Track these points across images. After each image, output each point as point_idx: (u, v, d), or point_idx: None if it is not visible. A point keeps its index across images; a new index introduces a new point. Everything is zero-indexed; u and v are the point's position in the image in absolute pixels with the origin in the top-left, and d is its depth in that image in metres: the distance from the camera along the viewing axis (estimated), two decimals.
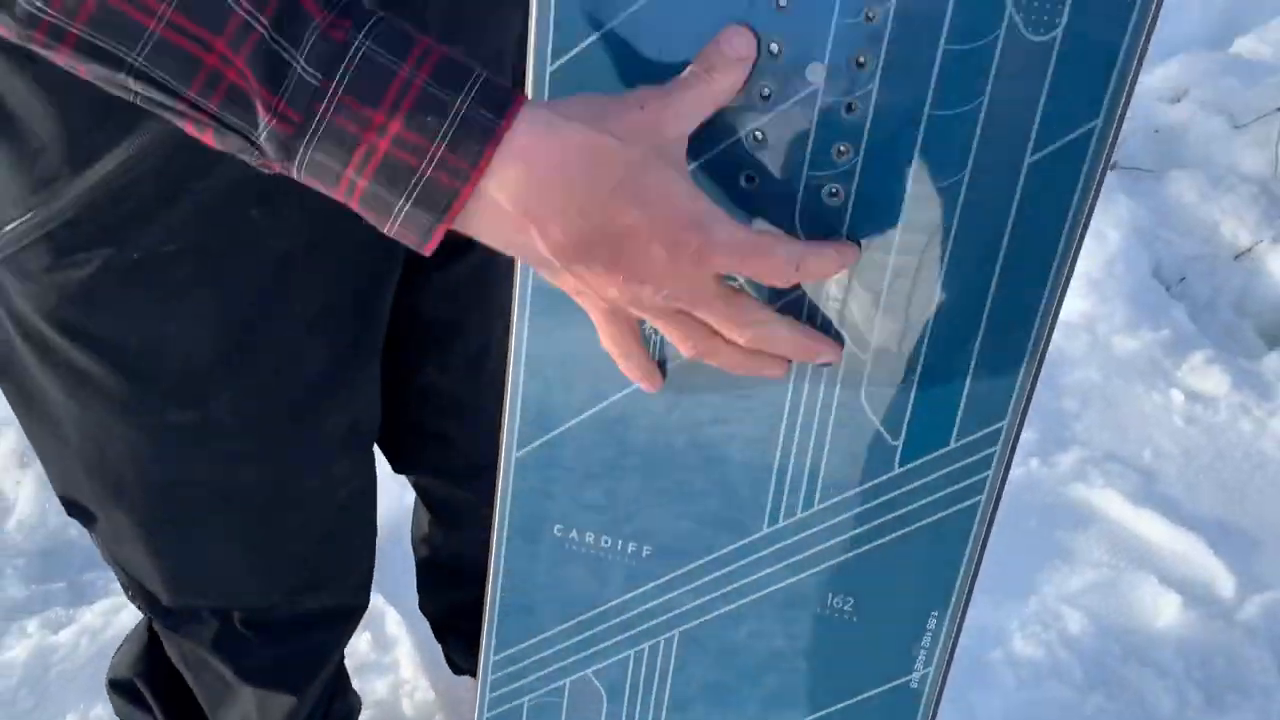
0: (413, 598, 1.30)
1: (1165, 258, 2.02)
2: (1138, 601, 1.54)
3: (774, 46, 0.53)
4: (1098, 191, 0.55)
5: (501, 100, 0.46)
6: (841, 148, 0.54)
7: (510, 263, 0.58)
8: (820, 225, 0.56)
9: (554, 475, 0.65)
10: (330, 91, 0.44)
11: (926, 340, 0.58)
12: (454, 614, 1.25)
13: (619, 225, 0.47)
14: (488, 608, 0.70)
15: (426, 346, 0.91)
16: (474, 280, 0.87)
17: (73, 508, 0.83)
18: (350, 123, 0.44)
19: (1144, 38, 0.51)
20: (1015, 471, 1.67)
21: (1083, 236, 0.56)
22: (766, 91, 0.54)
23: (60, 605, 1.52)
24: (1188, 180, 2.14)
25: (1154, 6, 0.51)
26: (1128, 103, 0.53)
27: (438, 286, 0.86)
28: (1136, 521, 1.61)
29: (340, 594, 0.96)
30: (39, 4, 0.42)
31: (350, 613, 1.00)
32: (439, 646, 1.31)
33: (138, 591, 0.90)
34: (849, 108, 0.54)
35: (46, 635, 1.47)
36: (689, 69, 0.51)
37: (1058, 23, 0.51)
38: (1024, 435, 1.89)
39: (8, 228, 0.65)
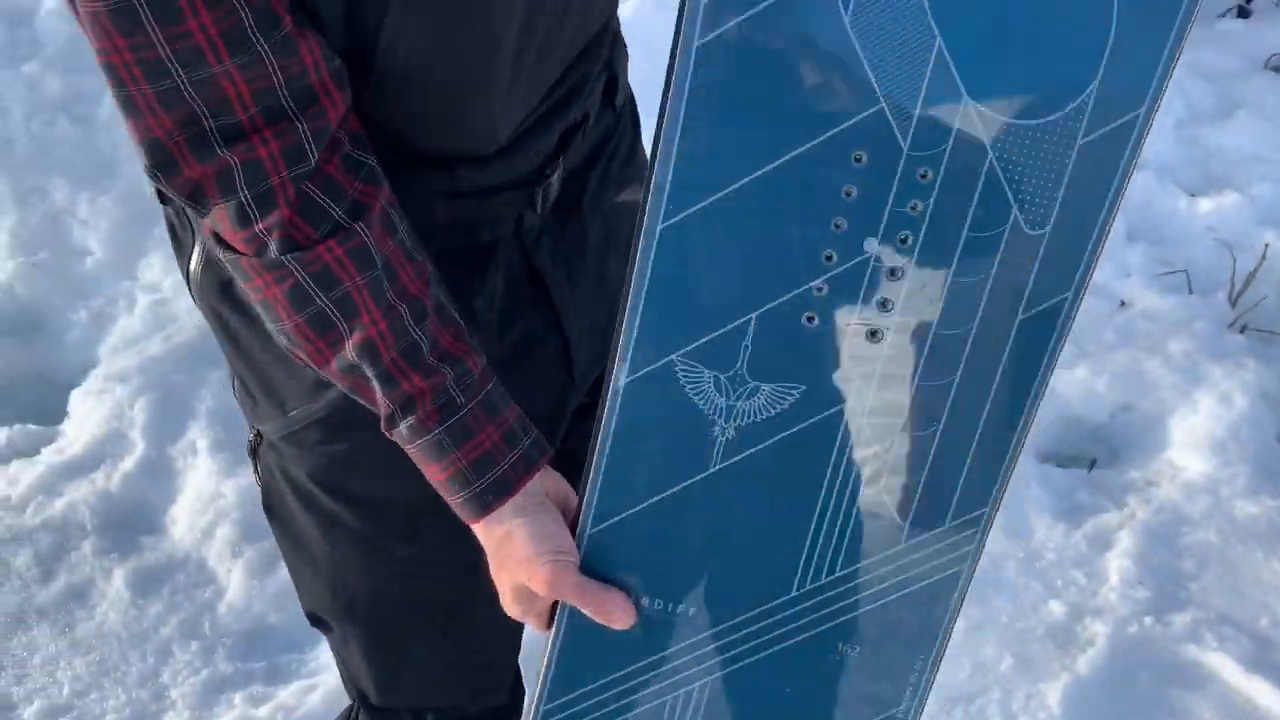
0: None
1: None
2: None
3: (839, 223, 0.72)
4: (1060, 343, 0.74)
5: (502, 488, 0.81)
6: (886, 301, 0.73)
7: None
8: (862, 361, 0.75)
9: (622, 548, 0.81)
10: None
11: (934, 445, 0.76)
12: None
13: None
14: (549, 647, 0.83)
15: None
16: None
17: (315, 620, 1.05)
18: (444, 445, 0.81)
19: (1103, 234, 0.71)
20: (1129, 628, 1.74)
21: (1043, 389, 0.75)
22: (831, 255, 0.73)
23: (259, 683, 1.66)
24: None
25: (1109, 215, 0.69)
26: (1089, 278, 0.73)
27: None
28: (1248, 687, 1.65)
29: (511, 692, 1.14)
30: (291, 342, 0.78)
31: (516, 708, 1.17)
32: None
33: (353, 688, 1.10)
34: (893, 273, 0.72)
35: (248, 709, 1.60)
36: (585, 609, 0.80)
37: (1048, 223, 0.71)
38: (1138, 593, 1.92)
39: (293, 413, 0.90)
